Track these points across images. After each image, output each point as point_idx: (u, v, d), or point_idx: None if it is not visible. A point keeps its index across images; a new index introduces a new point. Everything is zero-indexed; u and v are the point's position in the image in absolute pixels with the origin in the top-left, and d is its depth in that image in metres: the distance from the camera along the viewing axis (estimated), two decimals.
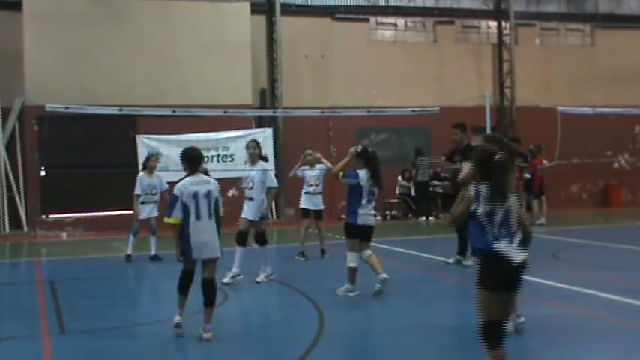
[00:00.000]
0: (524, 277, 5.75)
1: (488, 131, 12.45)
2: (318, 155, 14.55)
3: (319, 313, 9.25)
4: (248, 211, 11.91)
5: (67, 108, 13.03)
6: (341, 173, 10.24)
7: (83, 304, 10.54)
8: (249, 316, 9.84)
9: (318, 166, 14.43)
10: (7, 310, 10.45)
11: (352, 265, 10.26)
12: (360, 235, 10.21)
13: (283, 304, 10.62)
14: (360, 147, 10.49)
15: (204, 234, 7.96)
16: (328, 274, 12.86)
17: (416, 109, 16.36)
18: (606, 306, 9.44)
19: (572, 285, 10.62)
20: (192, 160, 8.24)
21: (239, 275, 11.64)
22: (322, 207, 14.53)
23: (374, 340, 8.44)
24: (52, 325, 9.05)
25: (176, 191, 8.01)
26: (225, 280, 11.34)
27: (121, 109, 14.57)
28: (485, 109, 12.44)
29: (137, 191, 14.39)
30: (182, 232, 7.95)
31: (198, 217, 7.92)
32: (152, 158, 14.87)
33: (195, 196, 7.92)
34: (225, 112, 15.74)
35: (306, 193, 14.49)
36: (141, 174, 14.57)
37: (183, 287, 8.14)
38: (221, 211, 8.24)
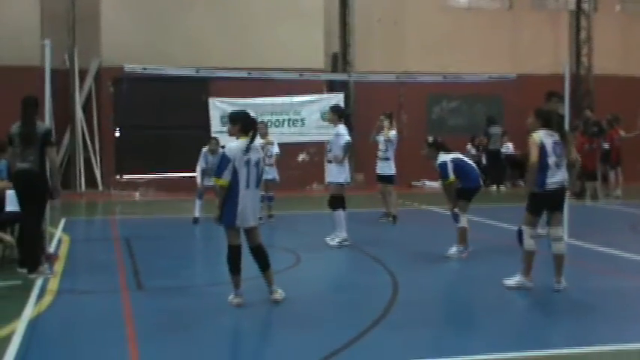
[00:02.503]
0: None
1: (567, 100, 12.04)
2: (384, 124, 14.46)
3: (392, 279, 9.22)
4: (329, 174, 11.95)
5: (144, 69, 13.12)
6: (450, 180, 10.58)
7: (157, 262, 10.77)
8: (322, 280, 9.87)
9: (383, 132, 14.44)
10: (86, 265, 10.77)
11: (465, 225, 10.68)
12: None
13: (356, 269, 10.59)
14: (430, 138, 11.00)
15: (252, 202, 7.77)
16: (400, 239, 12.89)
17: (493, 75, 16.02)
18: None
19: None
20: (249, 123, 7.87)
21: (346, 241, 11.73)
22: (387, 172, 14.42)
23: (447, 306, 8.40)
24: (129, 281, 9.25)
25: (229, 153, 7.72)
26: (332, 243, 11.61)
27: (198, 71, 14.63)
28: (563, 76, 12.13)
29: (201, 166, 14.62)
30: (228, 197, 7.70)
31: (247, 185, 7.68)
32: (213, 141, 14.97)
33: (247, 163, 7.68)
34: (300, 75, 15.70)
35: (377, 158, 14.52)
36: (204, 149, 14.71)
37: (235, 266, 7.79)
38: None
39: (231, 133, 7.94)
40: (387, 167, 14.42)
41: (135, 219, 16.37)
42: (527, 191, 8.68)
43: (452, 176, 10.47)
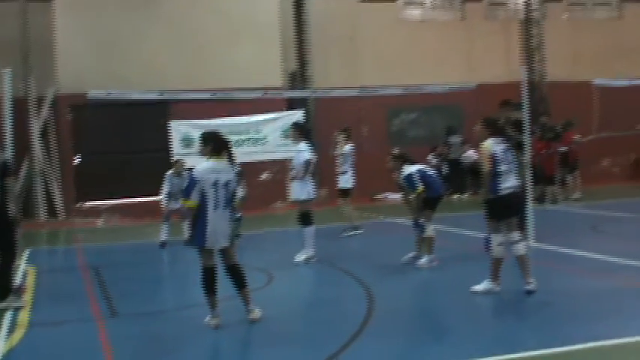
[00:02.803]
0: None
1: (525, 106, 12.30)
2: (338, 139, 14.94)
3: (366, 291, 9.30)
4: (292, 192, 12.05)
5: (108, 94, 13.06)
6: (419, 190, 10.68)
7: (128, 288, 10.70)
8: (297, 297, 9.92)
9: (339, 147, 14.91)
10: (56, 295, 10.61)
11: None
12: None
13: (329, 283, 10.65)
14: (395, 151, 11.24)
15: (220, 224, 7.72)
16: (368, 252, 13.02)
17: (453, 85, 16.26)
18: None
19: (617, 257, 10.59)
20: (221, 143, 7.90)
21: (312, 258, 11.82)
22: (343, 186, 14.79)
23: (423, 315, 8.50)
24: (102, 309, 9.19)
25: (196, 174, 7.74)
26: (298, 259, 11.69)
27: (162, 94, 14.62)
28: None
29: (166, 189, 14.64)
30: (198, 218, 7.72)
31: (215, 207, 7.69)
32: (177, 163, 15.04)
33: (215, 184, 7.67)
34: (265, 93, 15.74)
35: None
36: (169, 172, 14.74)
37: (210, 287, 7.76)
38: (239, 196, 8.05)
39: (202, 154, 7.96)
40: (343, 181, 14.77)
41: (101, 246, 16.24)
42: (484, 198, 8.85)
43: (420, 186, 10.63)
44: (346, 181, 14.74)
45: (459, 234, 14.10)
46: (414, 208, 10.89)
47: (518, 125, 12.27)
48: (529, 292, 8.56)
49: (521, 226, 12.21)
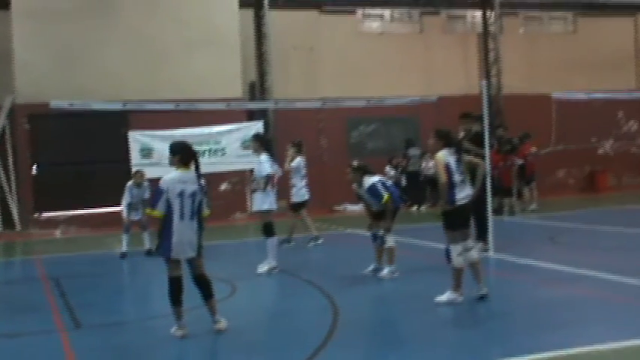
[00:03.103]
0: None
1: (486, 119, 12.52)
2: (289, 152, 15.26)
3: (330, 301, 9.37)
4: (253, 203, 12.11)
5: (71, 104, 13.00)
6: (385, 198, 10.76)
7: (91, 299, 10.61)
8: (262, 307, 9.95)
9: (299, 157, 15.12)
10: (16, 307, 10.48)
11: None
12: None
13: (293, 294, 10.69)
14: (354, 162, 11.26)
15: (186, 234, 7.74)
16: (329, 262, 13.11)
17: (414, 98, 16.47)
18: (610, 286, 9.61)
19: (574, 267, 10.81)
20: (189, 154, 7.92)
21: (275, 269, 11.86)
22: (293, 200, 15.06)
23: (387, 325, 8.59)
24: (65, 320, 9.13)
25: (162, 185, 7.76)
26: (261, 270, 11.75)
27: (125, 105, 14.59)
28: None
29: (126, 199, 14.64)
30: (164, 228, 7.77)
31: (181, 217, 7.71)
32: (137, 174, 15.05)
33: (181, 194, 7.70)
34: (228, 105, 15.80)
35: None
36: (129, 183, 14.73)
37: (176, 298, 7.78)
38: (206, 211, 8.01)
39: (171, 164, 7.98)
40: (293, 194, 14.96)
41: (60, 257, 16.08)
42: (442, 209, 9.00)
43: (385, 194, 10.73)
44: (295, 194, 14.94)
45: (419, 245, 14.25)
46: (387, 214, 10.91)
47: (477, 138, 12.49)
48: (482, 297, 8.79)
49: (483, 237, 12.49)
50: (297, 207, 15.04)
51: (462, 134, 12.85)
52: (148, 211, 8.17)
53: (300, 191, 14.92)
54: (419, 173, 22.94)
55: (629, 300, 8.82)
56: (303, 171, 14.99)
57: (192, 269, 7.97)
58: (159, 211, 7.74)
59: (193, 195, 7.80)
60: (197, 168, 7.92)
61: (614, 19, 27.71)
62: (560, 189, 25.93)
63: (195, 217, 7.85)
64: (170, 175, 7.85)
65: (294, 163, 14.92)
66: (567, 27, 27.80)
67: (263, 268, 11.86)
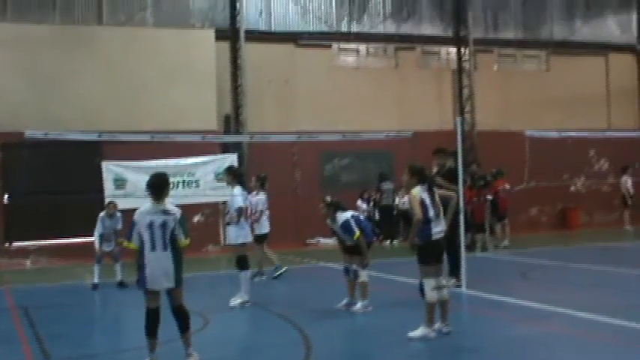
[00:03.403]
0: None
1: (460, 155, 12.63)
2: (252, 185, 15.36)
3: (302, 335, 9.34)
4: (227, 236, 12.08)
5: (46, 134, 12.94)
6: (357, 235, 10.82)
7: (62, 330, 10.51)
8: (234, 341, 9.87)
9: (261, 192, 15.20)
10: None
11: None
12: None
13: (265, 327, 10.62)
14: (327, 198, 11.29)
15: (159, 265, 7.75)
16: (301, 296, 13.06)
17: (389, 133, 16.58)
18: (582, 323, 9.65)
19: (547, 304, 10.85)
20: (155, 188, 7.99)
21: (247, 302, 11.81)
22: (257, 232, 14.87)
23: (362, 358, 8.60)
24: (35, 352, 9.01)
25: (135, 217, 7.88)
26: (233, 303, 11.69)
27: (100, 136, 14.55)
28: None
29: (99, 230, 14.62)
30: (140, 260, 7.81)
31: (153, 248, 7.75)
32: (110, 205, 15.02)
33: (150, 226, 7.75)
34: (203, 137, 15.81)
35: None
36: (102, 214, 14.68)
37: (151, 329, 7.79)
38: (183, 241, 7.96)
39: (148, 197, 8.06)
40: (255, 227, 14.82)
41: (30, 287, 15.91)
42: (411, 244, 9.02)
43: (357, 231, 10.78)
44: (258, 227, 14.87)
45: (392, 280, 14.26)
46: (362, 249, 10.94)
47: (450, 174, 12.58)
48: (447, 333, 8.87)
49: (456, 272, 12.53)
50: (261, 239, 15.00)
51: (435, 169, 12.95)
52: (125, 243, 8.15)
53: (263, 223, 14.96)
54: (392, 207, 22.99)
55: (604, 338, 8.86)
56: (265, 205, 15.08)
57: (170, 300, 7.94)
58: (133, 244, 7.85)
59: (163, 226, 7.81)
60: (161, 202, 7.94)
61: (587, 58, 28.14)
62: (533, 225, 26.09)
63: (168, 247, 7.82)
64: (141, 208, 7.95)
65: (254, 199, 14.91)
66: (540, 65, 28.16)
67: (235, 301, 11.81)
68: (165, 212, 7.87)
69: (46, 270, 19.01)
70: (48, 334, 10.05)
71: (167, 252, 7.81)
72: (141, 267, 7.79)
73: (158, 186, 8.01)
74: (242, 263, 11.88)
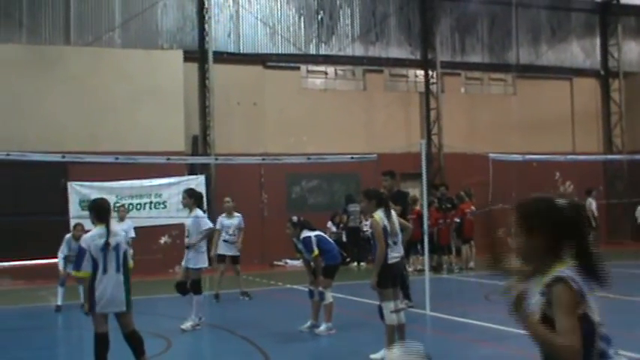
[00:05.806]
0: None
1: (424, 177, 12.71)
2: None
3: (266, 358, 9.31)
4: (187, 259, 11.96)
5: (8, 155, 12.82)
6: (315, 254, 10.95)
7: (20, 355, 10.35)
8: None
9: (235, 214, 15.23)
10: None
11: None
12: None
13: (229, 350, 10.57)
14: (294, 218, 11.40)
15: (110, 288, 7.68)
16: (266, 318, 13.02)
17: (355, 156, 16.64)
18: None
19: (506, 326, 10.91)
20: (101, 211, 7.99)
21: (199, 325, 11.72)
22: (238, 253, 15.16)
23: None
24: None
25: (83, 244, 7.79)
26: (185, 326, 11.55)
27: (64, 157, 14.44)
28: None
29: (63, 252, 14.52)
30: (90, 286, 7.70)
31: (105, 271, 7.66)
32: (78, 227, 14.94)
33: (104, 248, 7.69)
34: (168, 159, 15.76)
35: (224, 240, 15.12)
36: (68, 235, 14.58)
37: (100, 355, 7.67)
38: (130, 262, 8.00)
39: (92, 222, 8.01)
40: (237, 249, 15.15)
41: None
42: (372, 287, 9.00)
43: (315, 250, 10.82)
44: (220, 246, 15.16)
45: (357, 302, 14.23)
46: (313, 270, 11.01)
47: (400, 197, 12.63)
48: None
49: (407, 294, 12.60)
50: (237, 260, 15.07)
51: (383, 192, 13.00)
52: (73, 272, 8.07)
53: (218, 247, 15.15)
54: (359, 229, 23.01)
55: None
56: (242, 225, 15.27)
57: (122, 327, 7.85)
58: (84, 271, 7.73)
59: (117, 247, 7.77)
60: (107, 225, 7.88)
61: (552, 82, 28.52)
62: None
63: (121, 269, 7.79)
64: (89, 234, 7.91)
65: (228, 220, 15.15)
66: (507, 89, 28.49)
67: (187, 324, 11.69)
68: (115, 234, 7.87)
69: (9, 292, 18.75)
70: (9, 358, 9.90)
71: (119, 274, 7.76)
72: (91, 291, 7.68)
73: (104, 209, 8.04)
74: (197, 287, 11.85)
